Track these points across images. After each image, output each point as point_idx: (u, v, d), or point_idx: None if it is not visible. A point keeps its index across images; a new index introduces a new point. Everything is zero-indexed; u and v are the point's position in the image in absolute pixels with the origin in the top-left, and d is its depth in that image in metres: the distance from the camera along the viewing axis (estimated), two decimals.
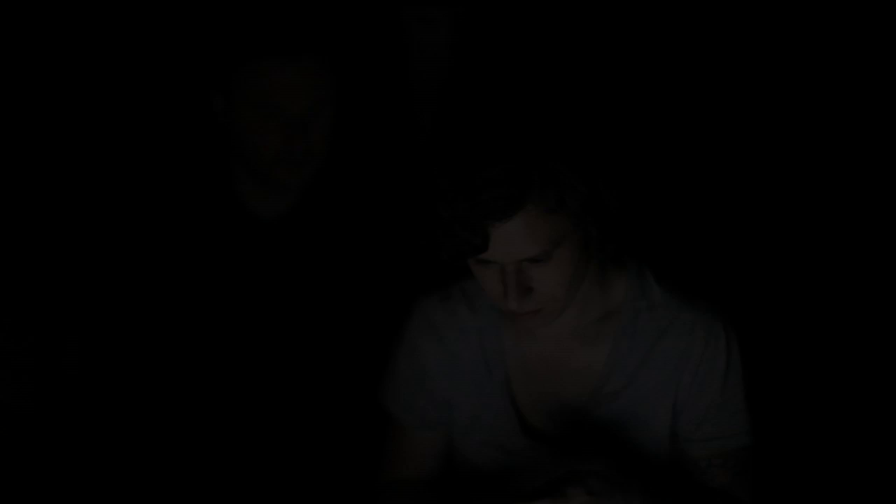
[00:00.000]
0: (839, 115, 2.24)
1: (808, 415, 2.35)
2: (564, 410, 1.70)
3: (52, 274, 2.05)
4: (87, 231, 2.08)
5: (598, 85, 2.19)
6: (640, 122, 2.18)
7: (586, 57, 2.22)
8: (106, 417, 2.08)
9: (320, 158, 1.96)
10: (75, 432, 2.04)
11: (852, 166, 2.26)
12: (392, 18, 2.31)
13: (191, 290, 2.04)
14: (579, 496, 1.39)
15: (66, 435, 2.03)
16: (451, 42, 2.13)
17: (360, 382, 2.04)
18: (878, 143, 2.24)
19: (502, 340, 1.69)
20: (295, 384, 2.09)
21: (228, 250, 2.03)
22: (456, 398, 1.72)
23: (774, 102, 2.26)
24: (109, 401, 2.08)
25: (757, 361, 1.72)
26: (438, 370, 1.71)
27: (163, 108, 2.31)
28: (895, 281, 2.30)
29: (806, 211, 2.27)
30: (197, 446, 2.10)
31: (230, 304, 2.05)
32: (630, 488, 1.48)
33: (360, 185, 2.11)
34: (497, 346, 1.69)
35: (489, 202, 1.42)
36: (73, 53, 2.32)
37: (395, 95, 2.37)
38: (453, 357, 1.71)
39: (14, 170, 2.20)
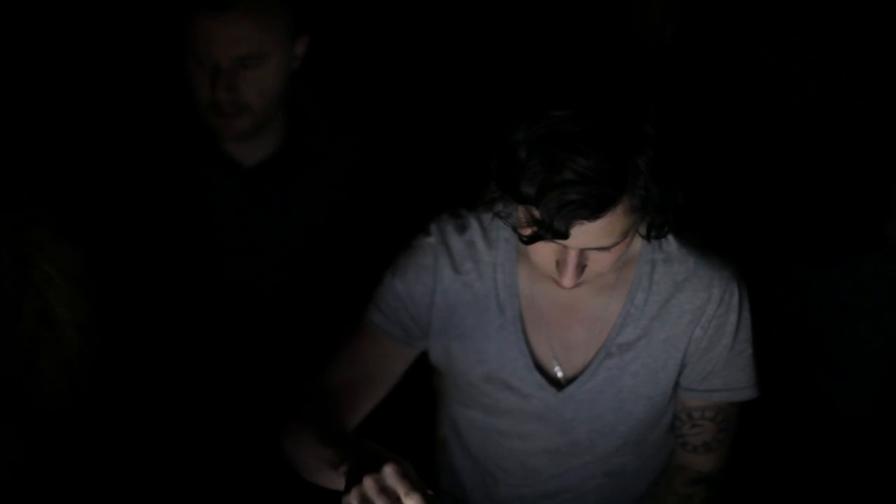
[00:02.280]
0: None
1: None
2: (573, 355, 1.70)
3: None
4: (74, 181, 2.05)
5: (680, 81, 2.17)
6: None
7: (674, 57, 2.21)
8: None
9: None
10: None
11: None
12: None
13: (178, 237, 2.04)
14: None
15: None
16: None
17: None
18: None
19: (517, 277, 1.68)
20: (284, 330, 2.10)
21: (212, 197, 2.04)
22: (460, 328, 1.70)
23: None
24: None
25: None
26: (447, 295, 1.70)
27: (145, 53, 2.28)
28: None
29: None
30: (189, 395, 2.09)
31: (217, 250, 2.05)
32: None
33: (340, 135, 2.11)
34: (511, 282, 1.69)
35: (581, 200, 1.39)
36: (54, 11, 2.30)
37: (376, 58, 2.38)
38: (466, 286, 1.69)
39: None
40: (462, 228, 1.70)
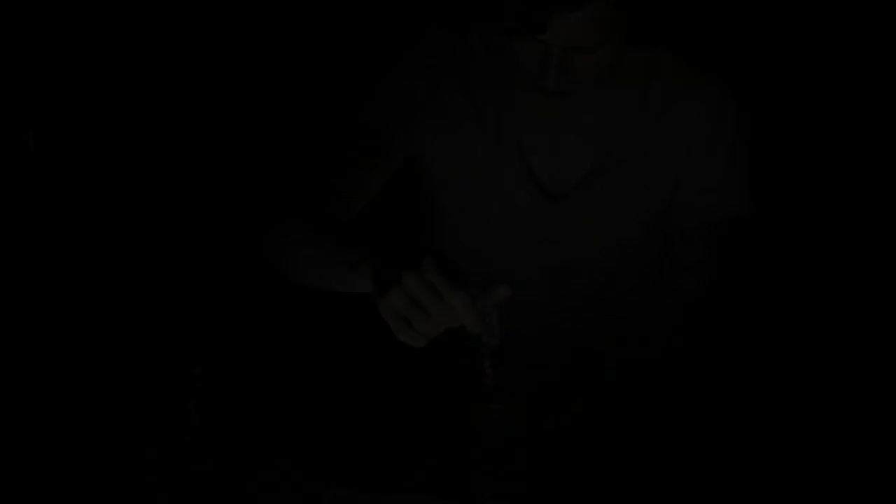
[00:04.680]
0: None
1: None
2: (569, 172, 1.66)
3: None
4: None
5: None
6: None
7: None
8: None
9: None
10: None
11: None
12: None
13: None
14: None
15: None
16: None
17: None
18: None
19: (514, 87, 1.61)
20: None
21: None
22: (457, 136, 1.65)
23: None
24: None
25: None
26: (446, 99, 1.63)
27: None
28: None
29: None
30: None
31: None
32: None
33: None
34: (509, 92, 1.62)
35: None
36: None
37: None
38: (468, 92, 1.63)
39: None
40: (464, 34, 1.62)
